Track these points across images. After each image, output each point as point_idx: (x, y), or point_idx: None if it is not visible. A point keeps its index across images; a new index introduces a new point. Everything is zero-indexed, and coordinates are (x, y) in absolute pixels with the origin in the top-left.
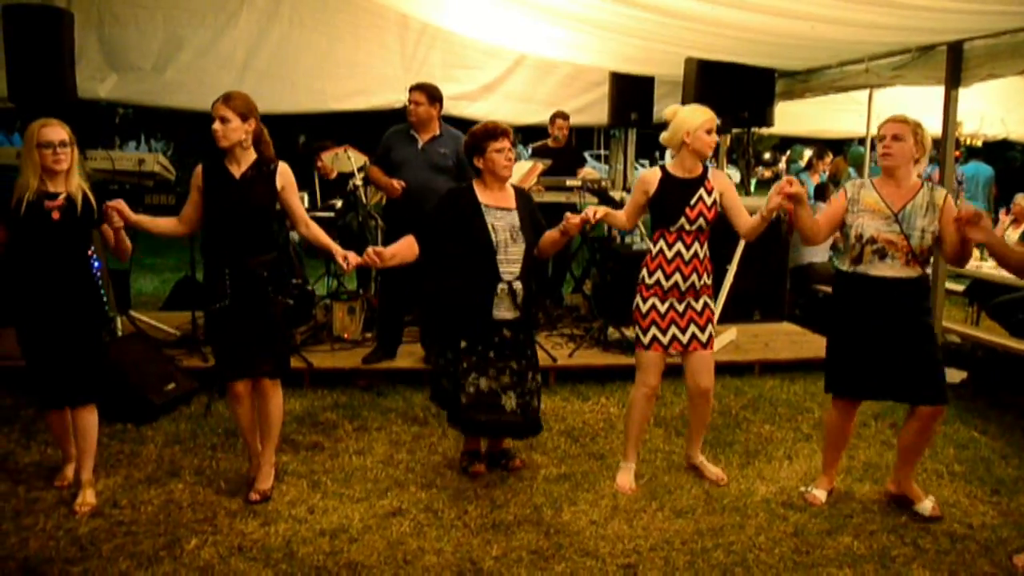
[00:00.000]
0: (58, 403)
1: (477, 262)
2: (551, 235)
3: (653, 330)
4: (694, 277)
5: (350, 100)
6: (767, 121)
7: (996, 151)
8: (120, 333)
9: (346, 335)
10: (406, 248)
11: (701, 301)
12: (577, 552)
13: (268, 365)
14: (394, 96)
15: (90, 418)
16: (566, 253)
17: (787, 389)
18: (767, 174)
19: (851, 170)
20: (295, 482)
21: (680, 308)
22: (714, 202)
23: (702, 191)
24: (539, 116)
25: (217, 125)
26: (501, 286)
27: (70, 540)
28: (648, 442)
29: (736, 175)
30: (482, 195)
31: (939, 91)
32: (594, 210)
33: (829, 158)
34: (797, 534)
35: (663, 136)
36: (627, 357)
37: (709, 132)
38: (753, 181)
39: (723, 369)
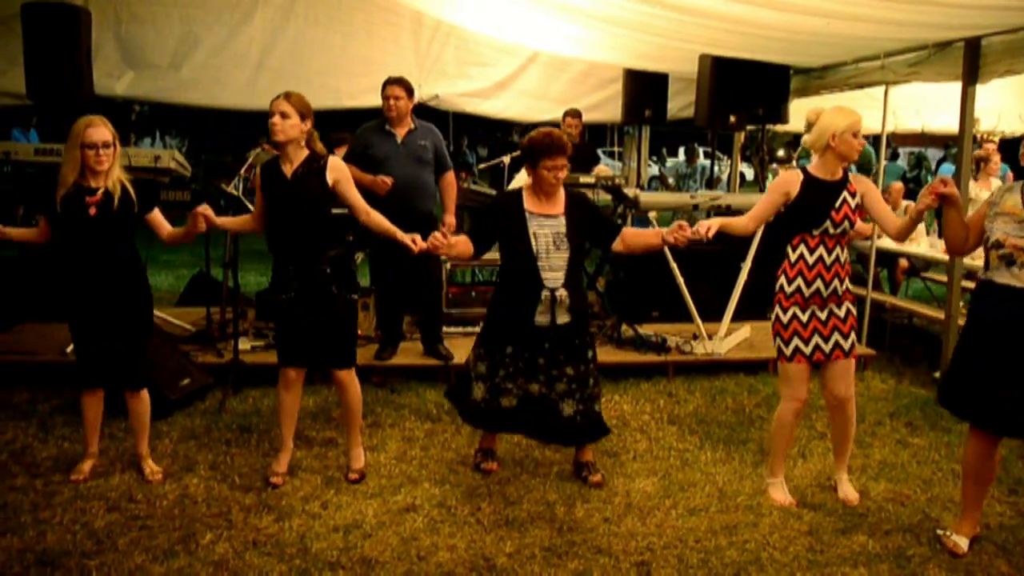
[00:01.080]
0: (101, 383)
1: (519, 268)
2: (646, 239)
3: (795, 341)
4: (836, 282)
5: (364, 97)
6: (782, 118)
7: (1013, 148)
8: None
9: (359, 331)
10: (464, 243)
11: (844, 307)
12: (590, 549)
13: (335, 358)
14: None
15: (143, 401)
16: None
17: None
18: (781, 171)
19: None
20: (309, 478)
21: (823, 316)
22: (857, 205)
23: (846, 194)
24: (552, 113)
25: (276, 119)
26: (544, 293)
27: (87, 533)
28: (661, 440)
29: (750, 172)
30: (528, 201)
31: (956, 88)
32: (707, 226)
33: None
34: (811, 533)
35: (805, 139)
36: (640, 355)
37: (856, 135)
38: (770, 177)
39: (737, 367)
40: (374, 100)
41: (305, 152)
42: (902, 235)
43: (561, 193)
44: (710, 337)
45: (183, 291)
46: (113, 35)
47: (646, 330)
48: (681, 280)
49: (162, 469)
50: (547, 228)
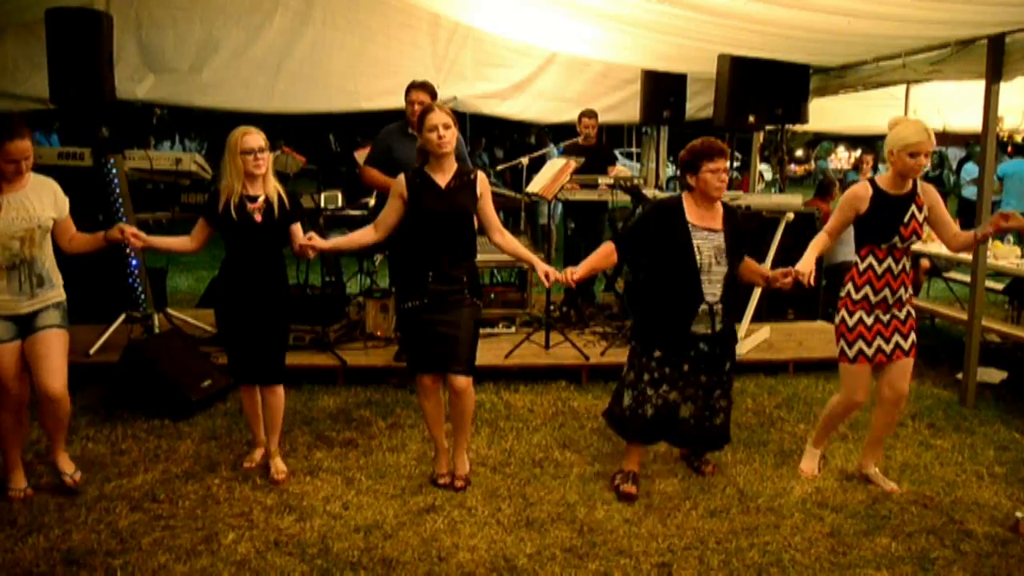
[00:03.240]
0: (250, 379)
1: (680, 281)
2: (755, 274)
3: (859, 344)
4: (901, 290)
5: (382, 99)
6: (801, 118)
7: None
8: (157, 330)
9: (379, 333)
10: (603, 259)
11: (904, 310)
12: (611, 550)
13: (460, 364)
14: None
15: (278, 397)
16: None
17: (822, 388)
18: (799, 171)
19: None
20: (329, 478)
21: (885, 319)
22: (924, 217)
23: (914, 208)
24: (570, 114)
25: (442, 131)
26: (703, 307)
27: (111, 533)
28: None
29: (768, 172)
30: (690, 213)
31: (977, 86)
32: (809, 270)
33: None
34: (833, 534)
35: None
36: None
37: (914, 156)
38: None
39: (757, 368)
40: (392, 102)
41: (454, 163)
42: (960, 250)
43: (719, 207)
44: None
45: (203, 293)
46: (134, 39)
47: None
48: None
49: (286, 469)
50: (709, 242)
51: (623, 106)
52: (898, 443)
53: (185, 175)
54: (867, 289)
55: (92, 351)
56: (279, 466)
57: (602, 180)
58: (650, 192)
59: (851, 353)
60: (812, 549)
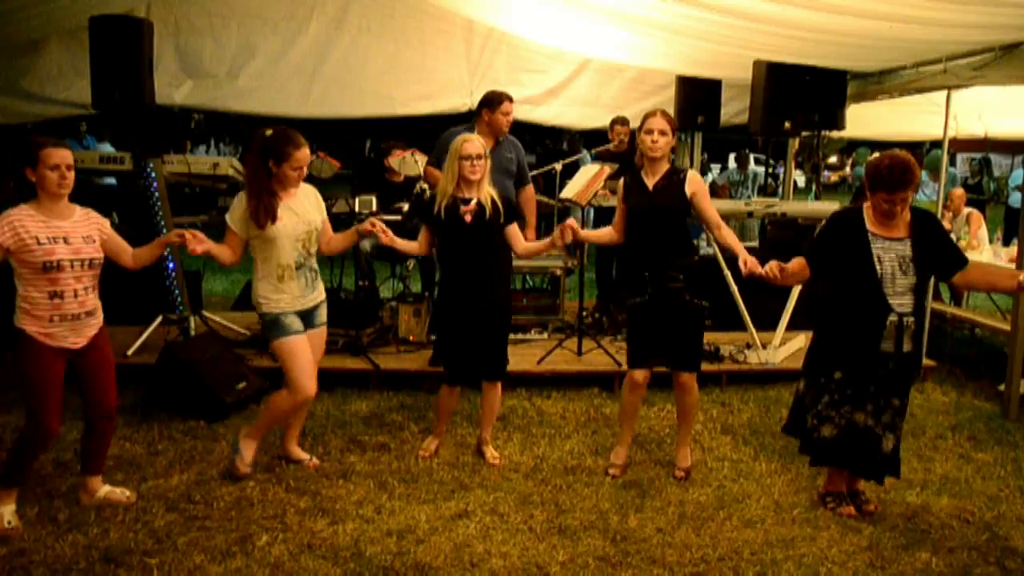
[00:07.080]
0: (460, 380)
1: (862, 293)
2: (994, 280)
3: None
4: None
5: (416, 104)
6: (838, 124)
7: None
8: (193, 332)
9: (411, 337)
10: (800, 268)
11: None
12: (644, 560)
13: (679, 361)
14: (459, 100)
15: (495, 392)
16: None
17: None
18: (833, 178)
19: (923, 174)
20: (362, 482)
21: None
22: None
23: None
24: (604, 120)
25: (657, 136)
26: (891, 318)
27: (147, 532)
28: (715, 450)
29: (802, 179)
30: (870, 222)
31: (1020, 91)
32: None
33: None
34: (871, 548)
35: None
36: None
37: None
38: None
39: (791, 377)
40: (426, 107)
41: (666, 164)
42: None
43: (906, 214)
44: (764, 346)
45: (238, 295)
46: (173, 46)
47: None
48: (735, 288)
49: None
50: (892, 252)
51: None
52: (937, 455)
53: (222, 179)
54: None
55: (129, 352)
56: (493, 452)
57: None
58: None
59: None
60: (849, 562)
